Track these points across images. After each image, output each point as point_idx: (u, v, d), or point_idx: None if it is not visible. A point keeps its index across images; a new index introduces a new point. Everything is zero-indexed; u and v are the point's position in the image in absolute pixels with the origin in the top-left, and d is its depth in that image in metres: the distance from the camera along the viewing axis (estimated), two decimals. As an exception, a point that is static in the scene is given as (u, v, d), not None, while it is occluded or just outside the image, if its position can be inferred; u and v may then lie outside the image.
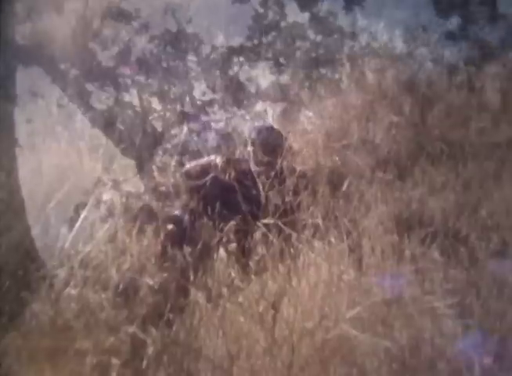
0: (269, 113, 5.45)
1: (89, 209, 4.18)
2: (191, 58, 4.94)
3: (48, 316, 3.53)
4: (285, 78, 5.28)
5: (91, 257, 3.89)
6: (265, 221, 4.18)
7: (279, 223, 4.17)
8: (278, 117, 5.42)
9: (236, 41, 5.06)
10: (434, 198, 4.68)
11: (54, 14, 4.60)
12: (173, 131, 4.75)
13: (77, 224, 4.05)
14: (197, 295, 3.68)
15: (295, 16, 5.12)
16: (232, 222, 4.20)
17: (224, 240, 4.09)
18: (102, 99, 4.85)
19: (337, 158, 5.00)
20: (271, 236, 4.05)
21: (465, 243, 4.19)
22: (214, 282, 3.78)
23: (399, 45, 6.06)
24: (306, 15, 5.04)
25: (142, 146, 4.58)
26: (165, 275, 3.90)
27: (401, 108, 5.45)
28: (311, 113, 5.48)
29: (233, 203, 4.47)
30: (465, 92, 5.60)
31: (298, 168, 4.59)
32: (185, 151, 4.61)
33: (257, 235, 4.09)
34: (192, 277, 3.80)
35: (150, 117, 4.79)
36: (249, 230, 4.19)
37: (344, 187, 4.56)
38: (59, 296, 3.61)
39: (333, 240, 4.02)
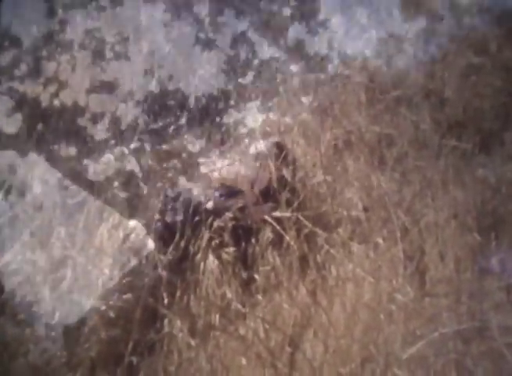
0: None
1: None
2: (179, 113, 6.13)
3: None
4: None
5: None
6: (278, 214, 3.99)
7: (299, 217, 3.96)
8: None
9: (217, 87, 6.18)
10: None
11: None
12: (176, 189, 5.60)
13: None
14: (175, 326, 3.55)
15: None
16: (228, 214, 4.04)
17: (215, 241, 3.91)
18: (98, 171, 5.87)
19: (387, 117, 4.88)
20: (287, 237, 3.86)
21: None
22: (200, 305, 3.67)
23: None
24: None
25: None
26: (127, 296, 3.78)
27: (484, 45, 5.37)
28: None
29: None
30: None
31: (328, 132, 4.42)
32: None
33: (266, 235, 3.94)
34: (166, 299, 3.65)
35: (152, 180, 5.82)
36: (253, 228, 4.03)
37: (397, 161, 4.45)
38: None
39: (381, 241, 3.90)
